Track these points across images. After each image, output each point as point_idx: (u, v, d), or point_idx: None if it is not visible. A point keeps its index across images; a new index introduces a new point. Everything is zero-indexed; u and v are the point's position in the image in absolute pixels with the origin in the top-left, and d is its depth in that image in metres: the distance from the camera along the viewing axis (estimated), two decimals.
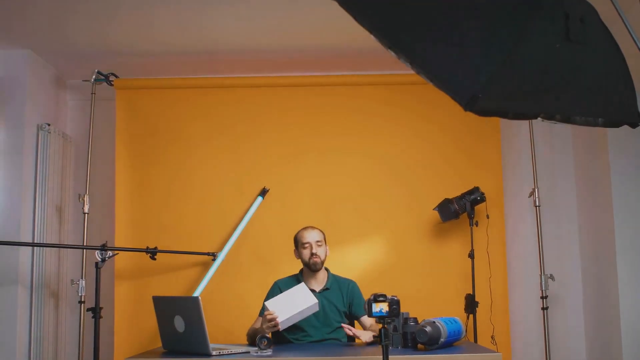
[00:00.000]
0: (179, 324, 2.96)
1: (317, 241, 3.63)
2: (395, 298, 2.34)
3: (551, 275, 4.24)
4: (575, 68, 1.77)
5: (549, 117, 1.81)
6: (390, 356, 2.66)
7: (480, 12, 1.68)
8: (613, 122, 1.90)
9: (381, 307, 2.32)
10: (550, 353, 4.21)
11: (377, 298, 2.33)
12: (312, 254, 3.60)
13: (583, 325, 4.62)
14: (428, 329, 2.84)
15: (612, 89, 1.87)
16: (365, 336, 3.33)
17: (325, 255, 3.68)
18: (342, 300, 3.63)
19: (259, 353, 2.90)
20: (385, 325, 2.30)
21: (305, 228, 3.72)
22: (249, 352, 2.95)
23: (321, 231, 3.72)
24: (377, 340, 2.37)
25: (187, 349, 2.98)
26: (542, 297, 4.23)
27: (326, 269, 3.73)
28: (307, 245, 3.62)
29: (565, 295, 4.64)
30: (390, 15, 1.76)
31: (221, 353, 2.90)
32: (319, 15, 3.94)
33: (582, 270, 4.66)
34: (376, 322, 2.40)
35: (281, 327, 3.21)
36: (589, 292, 4.58)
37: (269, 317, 3.21)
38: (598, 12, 1.77)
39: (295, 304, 3.26)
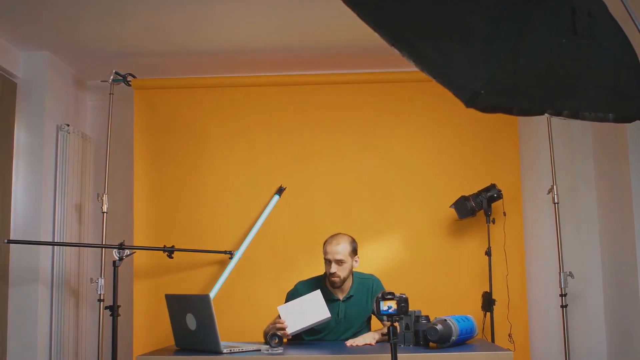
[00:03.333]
0: (191, 321, 2.99)
1: (338, 260, 3.42)
2: (404, 296, 2.33)
3: (570, 272, 4.19)
4: (583, 63, 1.74)
5: (557, 113, 1.79)
6: (401, 354, 2.66)
7: (484, 8, 1.66)
8: (624, 117, 1.87)
9: (389, 305, 2.31)
10: (570, 351, 4.16)
11: (385, 296, 2.32)
12: (330, 273, 3.44)
13: (604, 323, 4.56)
14: (439, 327, 2.82)
15: (622, 84, 1.84)
16: (370, 338, 3.26)
17: (351, 270, 3.50)
18: (366, 306, 3.53)
19: (270, 351, 2.91)
20: (394, 323, 2.29)
21: (331, 238, 3.52)
22: (259, 350, 2.96)
23: (350, 242, 3.52)
24: (387, 338, 2.36)
25: (199, 347, 3.00)
26: (561, 295, 4.18)
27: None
28: (327, 261, 3.47)
29: (585, 292, 4.58)
30: (392, 12, 1.75)
31: (232, 351, 2.91)
32: (336, 13, 3.94)
33: (603, 267, 4.60)
34: (385, 320, 2.39)
35: (290, 336, 3.22)
36: (609, 290, 4.51)
37: (278, 325, 3.21)
38: (607, 6, 1.74)
39: (306, 316, 3.23)
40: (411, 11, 1.72)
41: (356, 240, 3.63)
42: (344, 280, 3.48)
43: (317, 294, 3.30)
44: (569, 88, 1.76)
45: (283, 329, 3.18)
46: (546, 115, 1.79)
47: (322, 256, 3.59)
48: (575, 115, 1.81)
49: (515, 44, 1.63)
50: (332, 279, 3.45)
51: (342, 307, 3.49)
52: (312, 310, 3.24)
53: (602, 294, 4.59)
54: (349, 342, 3.21)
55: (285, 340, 3.34)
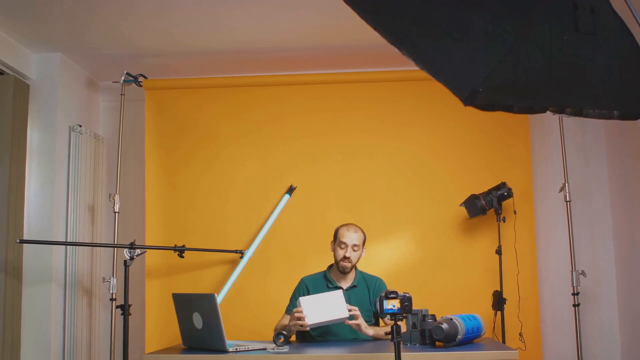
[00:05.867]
0: (197, 320, 3.00)
1: (354, 245, 3.56)
2: (407, 295, 2.32)
3: (582, 271, 4.15)
4: (586, 60, 1.73)
5: (559, 110, 1.78)
6: (407, 353, 2.65)
7: (484, 6, 1.66)
8: (630, 115, 1.86)
9: (393, 304, 2.31)
10: (583, 351, 4.12)
11: (388, 295, 2.31)
12: (344, 257, 3.56)
13: (617, 322, 4.51)
14: (445, 325, 2.81)
15: (627, 80, 1.82)
16: (370, 330, 3.31)
17: (359, 259, 3.64)
18: (369, 299, 3.60)
19: (276, 350, 2.92)
20: (397, 322, 2.28)
21: (348, 226, 3.65)
22: (265, 349, 2.97)
23: (363, 233, 3.66)
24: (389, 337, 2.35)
25: (206, 346, 3.02)
26: (573, 294, 4.14)
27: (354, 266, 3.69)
28: (343, 245, 3.58)
29: (598, 291, 4.54)
30: (392, 10, 1.76)
31: (238, 349, 2.92)
32: (344, 12, 3.93)
33: (616, 265, 4.55)
34: (389, 319, 2.39)
35: (308, 328, 3.23)
36: (623, 288, 4.47)
37: (297, 314, 3.21)
38: (610, 2, 1.72)
39: (327, 312, 3.23)
40: (410, 9, 1.72)
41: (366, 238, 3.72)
42: (352, 268, 3.61)
43: (339, 294, 3.31)
44: (571, 85, 1.75)
45: (302, 318, 3.19)
46: (548, 112, 1.78)
47: (332, 253, 3.66)
48: (578, 112, 1.80)
49: (516, 41, 1.62)
50: (345, 263, 3.57)
51: (345, 296, 3.52)
52: (332, 307, 3.25)
53: (616, 292, 4.54)
54: (351, 322, 3.28)
55: (293, 338, 3.36)
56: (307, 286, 3.66)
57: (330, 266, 3.72)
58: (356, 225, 3.67)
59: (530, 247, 4.42)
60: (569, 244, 4.23)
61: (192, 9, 3.92)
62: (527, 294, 4.31)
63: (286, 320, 3.53)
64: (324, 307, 3.24)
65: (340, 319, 3.25)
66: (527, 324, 4.24)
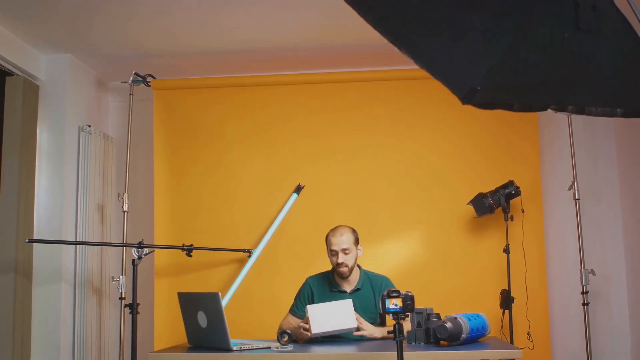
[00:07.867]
0: (202, 319, 3.02)
1: (344, 249, 3.49)
2: (409, 294, 2.32)
3: (592, 270, 4.12)
4: (587, 58, 1.72)
5: (560, 108, 1.77)
6: (411, 352, 2.65)
7: (484, 5, 1.65)
8: (633, 112, 1.84)
9: (395, 303, 2.31)
10: (592, 350, 4.09)
11: (390, 294, 2.31)
12: (338, 263, 3.49)
13: (627, 322, 4.48)
14: (448, 324, 2.81)
15: (630, 78, 1.81)
16: (378, 332, 3.30)
17: (356, 259, 3.57)
18: (373, 301, 3.55)
19: (280, 348, 2.92)
20: (400, 321, 2.28)
21: (333, 230, 3.58)
22: (269, 348, 2.98)
23: (352, 232, 3.58)
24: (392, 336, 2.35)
25: (210, 344, 3.03)
26: (582, 293, 4.12)
27: (358, 266, 3.65)
28: (334, 252, 3.52)
29: (608, 290, 4.51)
30: (392, 10, 1.76)
31: (242, 348, 2.94)
32: (345, 12, 3.93)
33: (626, 264, 4.51)
34: (391, 318, 2.39)
35: (312, 336, 3.20)
36: (633, 287, 4.43)
37: (301, 324, 3.22)
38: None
39: (333, 321, 3.20)
40: (410, 9, 1.72)
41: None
42: (351, 270, 3.54)
43: (348, 303, 3.26)
44: (572, 83, 1.74)
45: (307, 329, 3.17)
46: (549, 110, 1.77)
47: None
48: (580, 110, 1.79)
49: (516, 39, 1.62)
50: (341, 269, 3.50)
51: (350, 299, 3.50)
52: (340, 317, 3.20)
53: (626, 291, 4.51)
54: (356, 332, 3.26)
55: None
56: (311, 288, 3.63)
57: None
58: (343, 227, 3.59)
59: (538, 245, 4.40)
60: (578, 242, 4.20)
61: (194, 10, 3.94)
62: (535, 292, 4.29)
63: (290, 319, 3.54)
64: (332, 317, 3.20)
65: (348, 329, 3.21)
66: (535, 323, 4.22)
